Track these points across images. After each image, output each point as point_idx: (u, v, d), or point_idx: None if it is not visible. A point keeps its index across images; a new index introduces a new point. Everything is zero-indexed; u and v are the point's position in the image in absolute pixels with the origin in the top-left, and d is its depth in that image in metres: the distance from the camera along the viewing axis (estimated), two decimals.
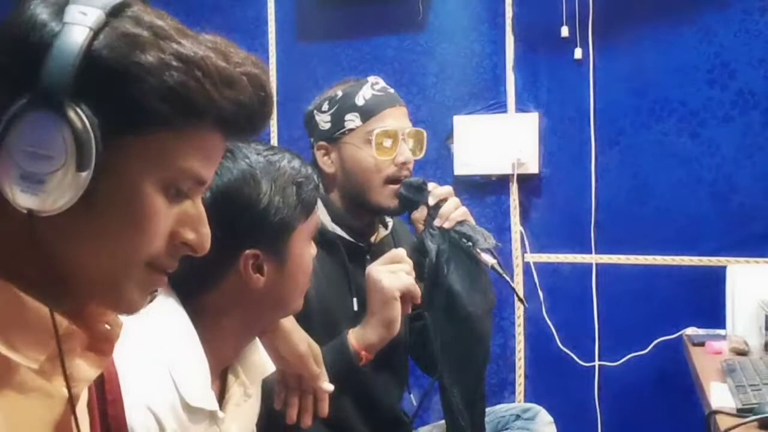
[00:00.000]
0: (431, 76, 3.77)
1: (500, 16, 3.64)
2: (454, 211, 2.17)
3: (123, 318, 1.02)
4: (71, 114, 0.85)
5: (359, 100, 2.25)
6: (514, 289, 2.18)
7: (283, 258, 1.58)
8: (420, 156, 2.35)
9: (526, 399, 3.60)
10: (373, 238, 2.36)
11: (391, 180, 2.25)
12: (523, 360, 3.68)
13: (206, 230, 1.01)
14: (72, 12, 0.88)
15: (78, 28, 0.87)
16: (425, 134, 2.38)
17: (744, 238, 3.31)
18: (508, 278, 2.11)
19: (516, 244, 3.66)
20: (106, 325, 1.02)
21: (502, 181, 3.67)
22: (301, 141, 3.82)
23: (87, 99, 0.86)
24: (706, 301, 3.21)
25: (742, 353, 2.70)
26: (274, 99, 1.02)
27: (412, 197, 2.23)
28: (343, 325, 2.11)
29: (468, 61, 3.72)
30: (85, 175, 0.86)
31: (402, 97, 2.38)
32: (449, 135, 3.72)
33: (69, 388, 0.94)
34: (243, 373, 1.67)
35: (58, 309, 0.91)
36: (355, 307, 2.24)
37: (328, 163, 2.30)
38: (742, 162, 3.32)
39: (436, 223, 2.17)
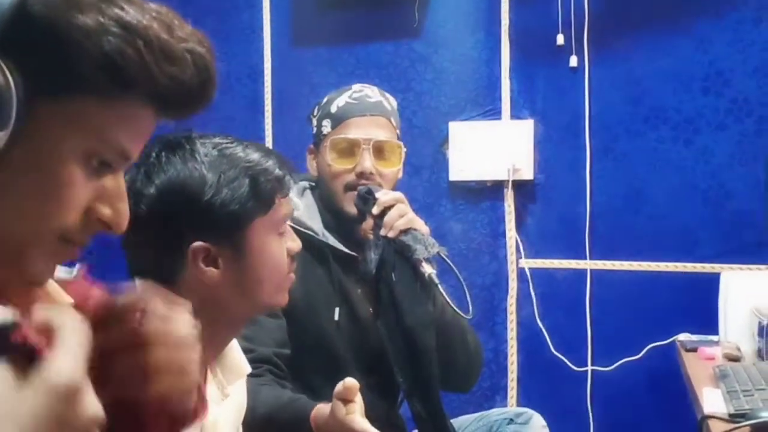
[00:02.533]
0: (427, 83, 3.78)
1: (496, 23, 3.66)
2: (398, 220, 2.10)
3: None
4: None
5: (333, 107, 2.26)
6: (448, 302, 2.05)
7: (240, 251, 1.56)
8: (394, 168, 2.29)
9: (519, 404, 3.60)
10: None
11: (351, 187, 2.22)
12: (515, 365, 3.68)
13: (124, 207, 0.94)
14: None
15: None
16: (399, 146, 2.31)
17: (737, 244, 3.33)
18: (442, 289, 2.04)
19: (511, 250, 3.67)
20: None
21: (497, 187, 3.67)
22: (296, 145, 3.84)
23: (13, 55, 0.80)
24: (699, 307, 3.21)
25: (734, 359, 2.70)
26: (216, 81, 0.94)
27: (360, 206, 2.18)
28: (327, 332, 2.11)
29: (464, 67, 3.73)
30: (2, 135, 0.80)
31: (397, 102, 2.39)
32: (444, 141, 3.73)
33: None
34: (220, 372, 1.66)
35: None
36: (336, 317, 2.20)
37: (313, 166, 2.32)
38: (736, 169, 3.34)
39: (381, 232, 2.12)
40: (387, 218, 2.10)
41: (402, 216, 2.11)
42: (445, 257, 2.11)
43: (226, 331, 1.64)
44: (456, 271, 2.10)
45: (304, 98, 3.79)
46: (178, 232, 1.52)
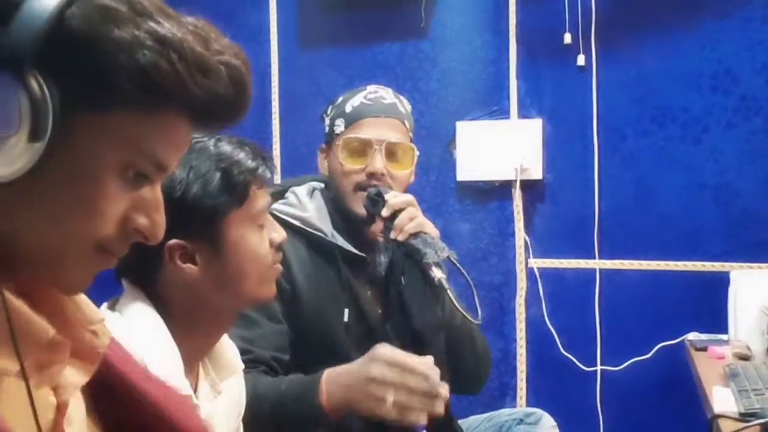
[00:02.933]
0: (434, 83, 3.78)
1: (503, 22, 3.66)
2: (409, 223, 2.08)
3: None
4: (31, 81, 0.80)
5: (348, 107, 2.24)
6: (458, 307, 2.01)
7: (217, 246, 1.55)
8: (406, 170, 2.26)
9: (528, 403, 3.60)
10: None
11: (361, 187, 2.20)
12: (525, 364, 3.68)
13: (161, 218, 0.95)
14: None
15: None
16: (411, 148, 2.29)
17: (747, 243, 3.32)
18: (451, 294, 2.01)
19: (520, 250, 3.67)
20: (93, 334, 0.98)
21: (505, 186, 3.67)
22: (303, 147, 3.86)
23: (51, 68, 0.81)
24: (709, 307, 3.21)
25: (744, 358, 2.70)
26: (251, 93, 0.95)
27: (369, 209, 2.16)
28: (335, 334, 2.10)
29: (471, 67, 3.73)
30: (38, 146, 0.80)
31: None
32: (452, 141, 3.73)
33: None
34: (212, 369, 1.66)
35: (3, 285, 0.86)
36: (346, 318, 2.19)
37: (325, 165, 2.30)
38: (744, 168, 3.33)
39: (391, 235, 2.09)
40: (397, 221, 2.08)
41: (412, 219, 2.08)
42: (455, 261, 2.08)
43: (213, 327, 1.63)
44: (466, 275, 2.07)
45: (312, 99, 3.79)
46: None
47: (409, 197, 2.14)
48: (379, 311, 2.27)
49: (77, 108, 0.84)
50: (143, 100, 0.86)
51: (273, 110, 4.00)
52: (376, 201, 2.12)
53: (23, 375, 0.87)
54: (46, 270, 0.91)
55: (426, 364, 1.83)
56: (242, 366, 1.73)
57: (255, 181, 1.58)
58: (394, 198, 2.11)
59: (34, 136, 0.81)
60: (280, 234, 1.67)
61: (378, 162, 2.19)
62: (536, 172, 3.61)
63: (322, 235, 2.21)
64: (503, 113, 3.67)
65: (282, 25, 4.01)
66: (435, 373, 1.82)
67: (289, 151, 3.93)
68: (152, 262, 1.54)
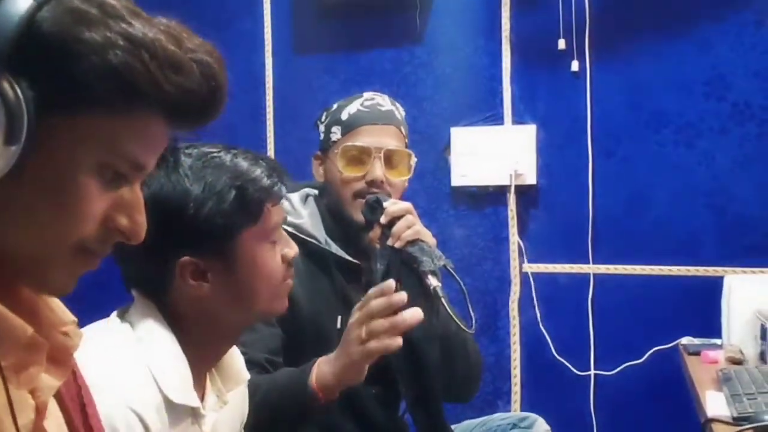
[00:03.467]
0: (428, 89, 3.78)
1: (497, 28, 3.66)
2: (406, 231, 2.05)
3: (99, 322, 0.98)
4: (4, 84, 0.81)
5: (344, 115, 2.24)
6: (452, 316, 1.97)
7: (230, 264, 1.53)
8: (404, 177, 2.28)
9: (522, 408, 3.61)
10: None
11: (360, 195, 2.20)
12: (518, 369, 3.68)
13: (141, 218, 0.96)
14: None
15: None
16: (409, 155, 2.30)
17: (740, 248, 3.33)
18: (446, 303, 1.97)
19: (514, 255, 3.67)
20: (65, 335, 0.99)
21: (500, 192, 3.68)
22: (297, 153, 3.85)
23: (24, 72, 0.82)
24: (702, 311, 3.21)
25: (737, 362, 2.71)
26: (226, 90, 0.96)
27: (367, 215, 2.14)
28: (332, 341, 2.10)
29: (465, 73, 3.74)
30: (14, 150, 0.81)
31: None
32: (446, 147, 3.74)
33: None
34: (219, 380, 1.66)
35: None
36: (339, 326, 2.19)
37: (320, 173, 2.29)
38: (738, 173, 3.35)
39: (389, 242, 2.06)
40: (395, 228, 2.05)
41: (410, 227, 2.06)
42: (451, 270, 2.07)
43: (222, 341, 1.63)
44: (462, 284, 2.05)
45: (306, 105, 3.79)
46: (164, 248, 1.49)
47: (408, 205, 2.12)
48: None
49: (52, 110, 0.85)
50: (117, 101, 0.87)
51: (267, 116, 4.00)
52: (375, 208, 2.11)
53: (1, 374, 0.88)
54: (29, 272, 0.92)
55: (378, 286, 1.87)
56: (248, 376, 1.73)
57: (269, 199, 1.57)
58: (392, 205, 2.10)
59: (9, 139, 0.81)
60: (292, 249, 1.66)
61: (377, 170, 2.20)
62: (530, 178, 3.62)
63: (315, 242, 2.21)
64: (497, 119, 3.68)
65: (276, 31, 4.02)
66: (388, 286, 1.86)
67: (283, 157, 3.93)
68: (164, 276, 1.53)
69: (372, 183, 2.20)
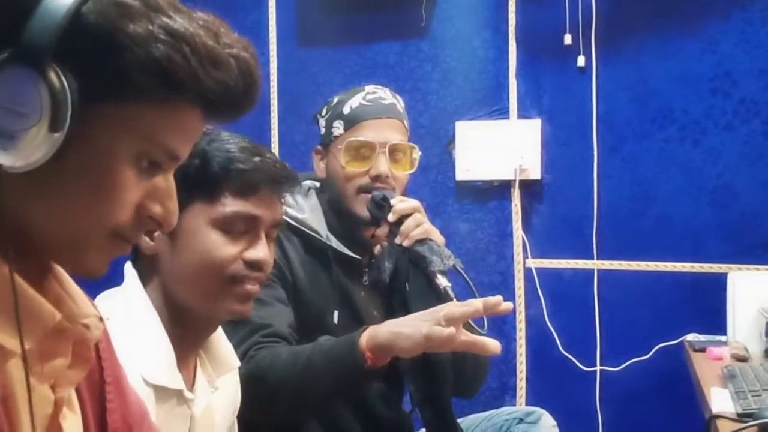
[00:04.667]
0: (434, 82, 3.78)
1: (503, 23, 3.66)
2: (415, 229, 2.06)
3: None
4: (51, 74, 0.83)
5: (346, 109, 2.22)
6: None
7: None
8: (408, 171, 2.26)
9: (528, 403, 3.60)
10: (376, 250, 2.30)
11: (364, 190, 2.18)
12: (524, 364, 3.68)
13: (174, 206, 0.99)
14: None
15: None
16: (413, 149, 2.28)
17: (745, 245, 3.33)
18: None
19: (518, 250, 3.67)
20: (85, 327, 0.99)
21: (504, 186, 3.68)
22: (302, 145, 3.85)
23: (69, 61, 0.84)
24: (707, 308, 3.22)
25: (742, 359, 2.71)
26: (260, 85, 1.00)
27: (374, 212, 2.14)
28: (325, 334, 2.06)
29: (471, 67, 3.74)
30: (58, 136, 0.84)
31: (405, 103, 2.35)
32: (451, 141, 3.73)
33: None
34: (209, 364, 1.65)
35: (17, 269, 0.89)
36: (335, 321, 2.16)
37: (321, 167, 2.28)
38: (743, 170, 3.34)
39: (397, 240, 2.07)
40: (403, 227, 2.06)
41: (418, 225, 2.06)
42: (461, 270, 2.06)
43: (194, 321, 1.58)
44: (471, 285, 2.04)
45: (311, 99, 3.79)
46: None
47: (416, 203, 2.12)
48: (375, 313, 2.25)
49: (94, 100, 0.87)
50: (158, 92, 0.90)
51: (272, 109, 4.00)
52: (382, 206, 2.11)
53: (23, 355, 0.89)
54: (66, 255, 0.95)
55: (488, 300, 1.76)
56: (238, 363, 1.72)
57: (231, 184, 1.54)
58: (400, 203, 2.09)
59: (54, 126, 0.84)
60: (261, 254, 1.58)
61: (382, 165, 2.18)
62: (535, 173, 3.61)
63: (316, 236, 2.20)
64: (503, 113, 3.68)
65: (281, 24, 4.01)
66: (497, 302, 1.76)
67: (288, 149, 3.93)
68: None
69: (376, 178, 2.18)
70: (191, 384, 1.58)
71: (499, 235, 3.70)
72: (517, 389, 3.69)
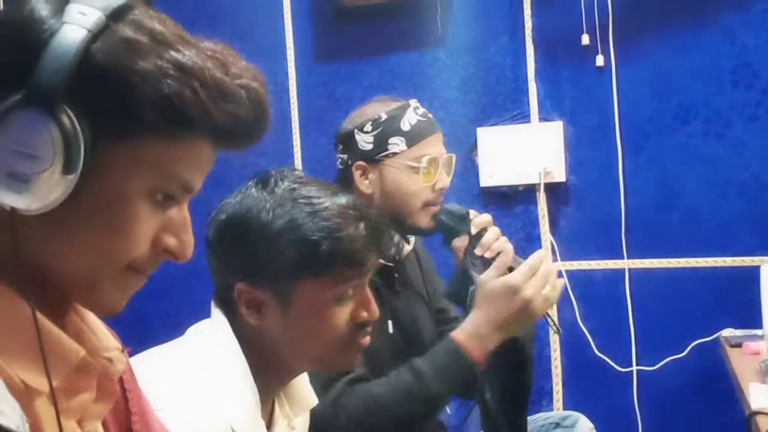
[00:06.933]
0: (453, 90, 3.77)
1: (520, 26, 3.65)
2: (495, 242, 2.17)
3: (178, 339, 0.99)
4: (62, 116, 0.84)
5: (405, 125, 2.26)
6: (548, 316, 2.20)
7: (285, 306, 1.50)
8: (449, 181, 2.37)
9: (565, 407, 3.58)
10: (398, 256, 2.36)
11: (429, 204, 2.28)
12: (559, 368, 3.66)
13: (189, 238, 0.98)
14: (72, 12, 0.86)
15: (76, 29, 0.85)
16: (455, 158, 2.41)
17: None
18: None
19: (547, 253, 3.65)
20: (108, 361, 1.00)
21: (529, 190, 3.66)
22: (325, 160, 3.86)
23: (79, 101, 0.85)
24: (742, 302, 3.18)
25: None
26: (270, 113, 0.99)
27: (452, 224, 2.25)
28: (380, 351, 2.11)
29: (489, 73, 3.73)
30: (72, 178, 0.85)
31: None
32: (473, 147, 3.72)
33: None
34: (288, 404, 1.65)
35: (38, 306, 0.89)
36: (390, 330, 2.25)
37: (365, 183, 2.29)
38: None
39: (477, 252, 2.17)
40: (485, 239, 2.17)
41: (497, 238, 2.18)
42: None
43: (286, 372, 1.61)
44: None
45: (330, 113, 3.80)
46: (228, 266, 1.51)
47: (490, 217, 2.26)
48: (416, 318, 2.38)
49: (106, 138, 0.87)
50: (169, 128, 0.90)
51: (293, 126, 4.00)
52: (465, 218, 2.23)
53: (52, 394, 0.89)
54: (83, 292, 0.95)
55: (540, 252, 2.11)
56: (315, 401, 1.72)
57: (345, 262, 1.51)
58: (479, 217, 2.23)
59: (68, 168, 0.84)
60: (370, 313, 1.59)
61: (445, 177, 2.32)
62: (560, 175, 3.60)
63: None
64: (524, 117, 3.67)
65: (298, 40, 4.02)
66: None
67: (310, 164, 3.93)
68: (228, 296, 1.54)
69: (441, 191, 2.30)
70: (267, 427, 1.58)
71: (526, 239, 3.68)
72: (554, 393, 3.66)
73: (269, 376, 1.56)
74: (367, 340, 1.62)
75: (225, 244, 1.52)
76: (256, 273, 1.50)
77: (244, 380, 1.49)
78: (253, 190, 1.52)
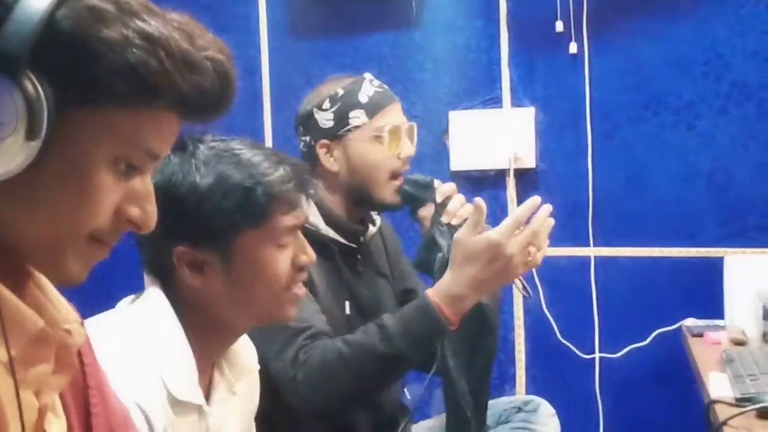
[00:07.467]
0: (426, 72, 3.76)
1: (494, 11, 3.64)
2: (461, 208, 2.20)
3: (113, 310, 0.99)
4: (26, 82, 0.83)
5: (363, 98, 2.26)
6: (519, 278, 2.13)
7: (227, 260, 1.53)
8: (413, 149, 2.36)
9: (527, 392, 3.60)
10: (362, 237, 2.35)
11: (394, 175, 2.27)
12: (523, 353, 3.68)
13: (152, 208, 0.98)
14: None
15: None
16: (416, 127, 2.40)
17: (741, 228, 3.33)
18: None
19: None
20: (66, 332, 0.99)
21: (499, 175, 3.67)
22: (295, 139, 3.81)
23: (44, 68, 0.84)
24: (705, 292, 3.21)
25: (740, 343, 2.71)
26: (236, 86, 1.00)
27: (417, 194, 2.26)
28: (341, 327, 2.11)
29: (463, 56, 3.72)
30: (35, 144, 0.84)
31: (397, 93, 2.40)
32: (445, 131, 3.72)
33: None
34: (228, 370, 1.65)
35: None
36: (347, 311, 2.24)
37: (331, 161, 2.29)
38: (737, 153, 3.34)
39: (444, 219, 2.19)
40: (450, 206, 2.20)
41: (463, 205, 2.22)
42: None
43: (226, 336, 1.62)
44: None
45: (303, 91, 3.71)
46: (164, 234, 1.50)
47: (454, 185, 2.29)
48: (377, 298, 2.36)
49: (70, 106, 0.86)
50: (134, 97, 0.89)
51: (264, 103, 3.98)
52: (430, 186, 2.26)
53: (10, 364, 0.88)
54: (45, 262, 0.94)
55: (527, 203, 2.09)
56: (258, 367, 1.73)
57: (280, 205, 1.55)
58: (443, 185, 2.26)
59: (31, 135, 0.83)
60: (308, 256, 1.63)
61: (409, 145, 2.31)
62: (530, 161, 3.61)
63: (315, 229, 2.21)
64: (496, 102, 3.67)
65: (271, 16, 3.98)
66: (534, 203, 2.11)
67: (281, 143, 3.90)
68: (165, 263, 1.54)
69: (406, 159, 2.29)
70: (207, 393, 1.59)
71: (495, 224, 3.66)
72: (517, 378, 3.68)
73: (209, 339, 1.57)
74: (303, 290, 1.66)
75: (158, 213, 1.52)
76: (194, 234, 1.51)
77: (181, 346, 1.50)
78: (171, 157, 1.51)
